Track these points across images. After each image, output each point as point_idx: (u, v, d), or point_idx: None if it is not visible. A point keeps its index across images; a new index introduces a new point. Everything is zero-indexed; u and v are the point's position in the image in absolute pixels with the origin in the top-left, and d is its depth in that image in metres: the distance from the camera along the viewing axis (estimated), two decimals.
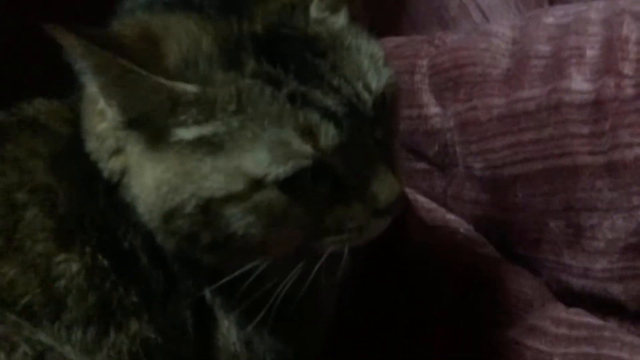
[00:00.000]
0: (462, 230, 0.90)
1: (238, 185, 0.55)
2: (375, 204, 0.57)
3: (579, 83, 0.80)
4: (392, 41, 1.01)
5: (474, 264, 0.87)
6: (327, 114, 0.55)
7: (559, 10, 0.88)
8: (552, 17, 0.87)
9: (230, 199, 0.55)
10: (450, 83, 0.90)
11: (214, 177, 0.55)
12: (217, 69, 0.55)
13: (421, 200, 0.94)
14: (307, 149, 0.54)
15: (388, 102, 0.59)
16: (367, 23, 0.63)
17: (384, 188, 0.57)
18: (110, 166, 0.59)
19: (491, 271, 0.86)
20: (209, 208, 0.56)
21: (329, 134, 0.55)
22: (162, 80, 0.53)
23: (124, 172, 0.59)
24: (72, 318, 0.58)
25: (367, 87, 0.57)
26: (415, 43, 0.97)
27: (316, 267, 0.59)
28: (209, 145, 0.55)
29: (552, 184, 0.81)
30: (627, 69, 0.78)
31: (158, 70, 0.53)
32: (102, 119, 0.59)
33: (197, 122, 0.55)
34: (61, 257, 0.58)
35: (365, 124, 0.57)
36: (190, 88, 0.54)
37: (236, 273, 0.59)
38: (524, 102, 0.83)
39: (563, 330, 0.79)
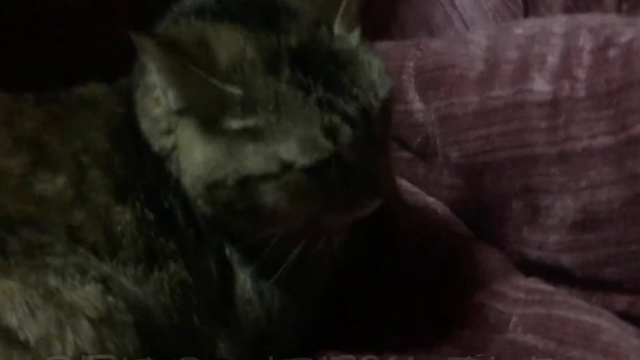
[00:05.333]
0: (439, 211, 0.97)
1: (273, 167, 0.64)
2: (373, 186, 0.67)
3: (540, 85, 0.87)
4: (384, 45, 1.05)
5: (449, 240, 0.94)
6: (346, 118, 0.64)
7: (528, 22, 0.96)
8: (521, 29, 0.94)
9: (266, 177, 0.64)
10: (433, 83, 0.97)
11: (254, 159, 0.64)
12: (259, 74, 0.64)
13: (405, 184, 1.00)
14: (329, 145, 0.64)
15: (387, 105, 0.69)
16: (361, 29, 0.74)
17: (381, 174, 0.67)
18: (161, 143, 0.68)
19: (464, 246, 0.93)
20: (246, 183, 0.65)
21: (346, 134, 0.64)
22: (215, 82, 0.62)
23: (173, 149, 0.68)
24: (125, 256, 0.66)
25: (376, 96, 0.67)
26: (403, 47, 1.03)
27: (321, 240, 0.68)
28: (251, 134, 0.64)
29: (514, 170, 0.88)
30: (581, 73, 0.86)
31: (212, 72, 0.62)
32: (156, 104, 0.68)
33: (241, 116, 0.64)
34: (118, 208, 0.67)
35: (372, 125, 0.66)
36: (237, 91, 0.63)
37: (256, 238, 0.67)
38: (494, 100, 0.90)
39: (521, 295, 0.85)
